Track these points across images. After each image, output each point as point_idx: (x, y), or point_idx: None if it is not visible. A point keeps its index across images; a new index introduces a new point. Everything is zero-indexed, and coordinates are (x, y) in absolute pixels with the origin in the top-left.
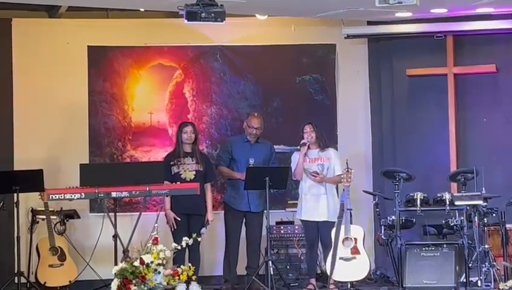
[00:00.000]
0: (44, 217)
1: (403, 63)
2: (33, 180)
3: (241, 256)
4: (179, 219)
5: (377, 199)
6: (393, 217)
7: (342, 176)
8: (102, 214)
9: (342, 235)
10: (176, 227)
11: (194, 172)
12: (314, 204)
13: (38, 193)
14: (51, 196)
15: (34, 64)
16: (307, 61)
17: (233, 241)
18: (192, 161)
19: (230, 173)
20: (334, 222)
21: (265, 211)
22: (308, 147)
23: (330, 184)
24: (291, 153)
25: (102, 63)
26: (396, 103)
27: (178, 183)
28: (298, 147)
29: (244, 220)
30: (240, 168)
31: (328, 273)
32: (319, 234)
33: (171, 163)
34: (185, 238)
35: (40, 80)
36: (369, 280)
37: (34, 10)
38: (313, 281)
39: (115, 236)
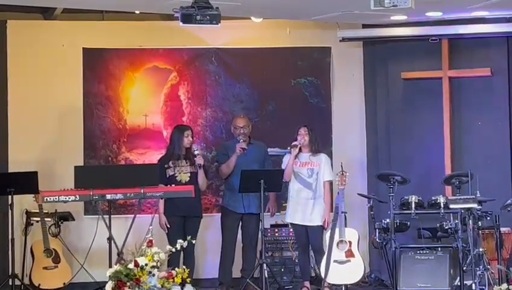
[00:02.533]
0: (38, 219)
1: (398, 66)
2: (28, 182)
3: (236, 259)
4: (169, 226)
5: (371, 202)
6: (387, 220)
7: (337, 179)
8: (97, 216)
9: (336, 238)
10: (169, 230)
11: (189, 174)
12: (302, 208)
13: (32, 195)
14: (45, 198)
15: (29, 66)
16: (302, 64)
17: (229, 244)
18: (186, 163)
19: (228, 163)
20: (322, 226)
21: (260, 214)
22: (300, 150)
23: (319, 188)
24: None
25: (98, 65)
26: (392, 106)
27: (173, 185)
28: (288, 148)
29: (240, 223)
30: (235, 171)
31: (323, 276)
32: (309, 239)
33: (166, 166)
34: (180, 241)
35: (35, 82)
36: (363, 283)
37: (29, 12)
38: (307, 284)
39: (110, 238)
